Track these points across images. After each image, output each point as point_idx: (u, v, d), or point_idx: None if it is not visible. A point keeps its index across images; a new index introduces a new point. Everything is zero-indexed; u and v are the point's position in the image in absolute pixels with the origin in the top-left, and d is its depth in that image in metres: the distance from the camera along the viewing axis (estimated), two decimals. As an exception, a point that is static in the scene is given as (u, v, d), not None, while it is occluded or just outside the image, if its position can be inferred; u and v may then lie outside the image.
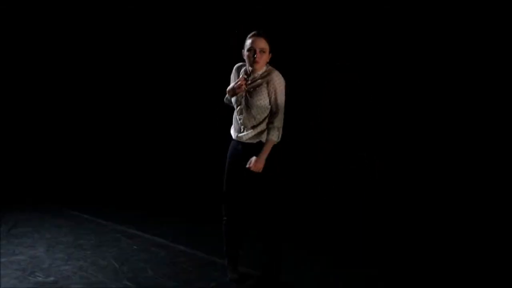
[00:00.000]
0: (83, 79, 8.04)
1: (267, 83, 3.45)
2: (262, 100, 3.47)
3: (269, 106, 3.50)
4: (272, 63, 3.58)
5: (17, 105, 7.80)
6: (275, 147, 3.49)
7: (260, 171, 3.43)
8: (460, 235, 4.74)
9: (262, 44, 3.42)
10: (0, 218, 5.24)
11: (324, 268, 4.08)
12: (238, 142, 3.62)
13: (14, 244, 4.46)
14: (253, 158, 3.44)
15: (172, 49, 7.33)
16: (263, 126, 3.52)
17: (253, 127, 3.54)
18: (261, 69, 3.50)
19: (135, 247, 4.44)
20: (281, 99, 3.48)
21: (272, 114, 3.49)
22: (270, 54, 3.48)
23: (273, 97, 3.46)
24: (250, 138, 3.55)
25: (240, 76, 3.61)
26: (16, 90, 7.79)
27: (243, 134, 3.59)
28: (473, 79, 4.94)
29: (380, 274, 3.96)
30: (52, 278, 3.73)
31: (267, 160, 3.45)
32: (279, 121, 3.47)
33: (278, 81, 3.46)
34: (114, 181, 6.97)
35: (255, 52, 3.41)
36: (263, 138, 3.51)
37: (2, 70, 7.59)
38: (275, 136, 3.45)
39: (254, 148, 3.50)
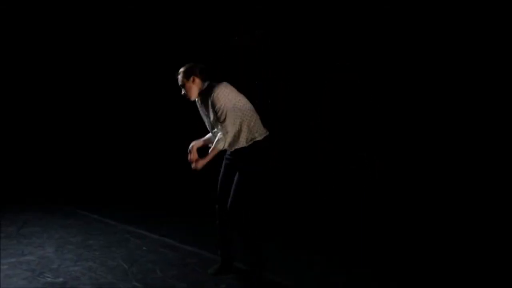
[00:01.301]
0: (89, 80, 8.06)
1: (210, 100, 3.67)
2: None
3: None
4: (271, 62, 3.65)
5: (30, 107, 7.86)
6: (260, 144, 3.67)
7: (198, 168, 3.67)
8: (460, 235, 4.75)
9: (179, 81, 3.76)
10: (9, 218, 5.26)
11: (324, 268, 4.11)
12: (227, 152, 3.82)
13: (23, 244, 4.48)
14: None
15: (173, 47, 7.31)
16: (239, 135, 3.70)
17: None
18: (196, 94, 3.75)
19: (144, 248, 4.46)
20: (224, 118, 3.62)
21: (221, 128, 3.65)
22: (193, 79, 3.71)
23: (213, 111, 3.64)
24: (234, 146, 3.72)
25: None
26: (23, 91, 7.84)
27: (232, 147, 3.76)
28: (473, 79, 4.93)
29: (380, 274, 3.98)
30: (61, 279, 3.74)
31: (252, 156, 3.66)
32: (223, 130, 3.62)
33: (216, 100, 3.62)
34: (123, 182, 6.96)
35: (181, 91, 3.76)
36: (241, 141, 3.68)
37: (8, 72, 7.64)
38: (220, 145, 3.64)
39: (242, 151, 3.69)
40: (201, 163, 3.67)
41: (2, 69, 7.64)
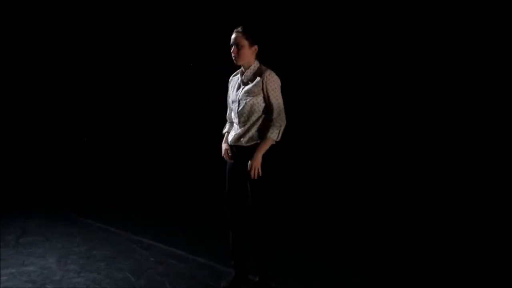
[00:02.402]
0: (92, 85, 8.07)
1: (260, 81, 3.45)
2: (254, 99, 3.47)
3: (263, 105, 3.49)
4: (270, 61, 3.61)
5: (29, 112, 7.93)
6: (271, 147, 3.49)
7: (258, 168, 3.45)
8: (460, 235, 4.71)
9: (238, 39, 3.46)
10: (9, 225, 5.20)
11: (324, 268, 4.11)
12: (234, 146, 3.62)
13: (24, 254, 4.40)
14: (250, 162, 3.46)
15: (175, 48, 7.29)
16: (256, 126, 3.51)
17: (248, 129, 3.53)
18: (248, 65, 3.52)
19: (152, 259, 4.35)
20: (277, 97, 3.46)
21: (270, 112, 3.46)
22: (254, 49, 3.49)
23: (267, 94, 3.45)
24: (247, 141, 3.52)
25: (233, 81, 3.68)
26: (24, 95, 7.91)
27: (242, 138, 3.57)
28: (471, 79, 4.91)
29: (380, 274, 3.99)
30: (63, 292, 3.67)
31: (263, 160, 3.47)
32: (280, 120, 3.45)
33: (271, 79, 3.45)
34: (130, 189, 6.92)
35: (232, 47, 3.49)
36: (259, 138, 3.49)
37: (9, 76, 7.70)
38: (274, 135, 3.43)
39: (250, 151, 3.49)
40: (258, 162, 3.41)
41: (2, 71, 7.71)
